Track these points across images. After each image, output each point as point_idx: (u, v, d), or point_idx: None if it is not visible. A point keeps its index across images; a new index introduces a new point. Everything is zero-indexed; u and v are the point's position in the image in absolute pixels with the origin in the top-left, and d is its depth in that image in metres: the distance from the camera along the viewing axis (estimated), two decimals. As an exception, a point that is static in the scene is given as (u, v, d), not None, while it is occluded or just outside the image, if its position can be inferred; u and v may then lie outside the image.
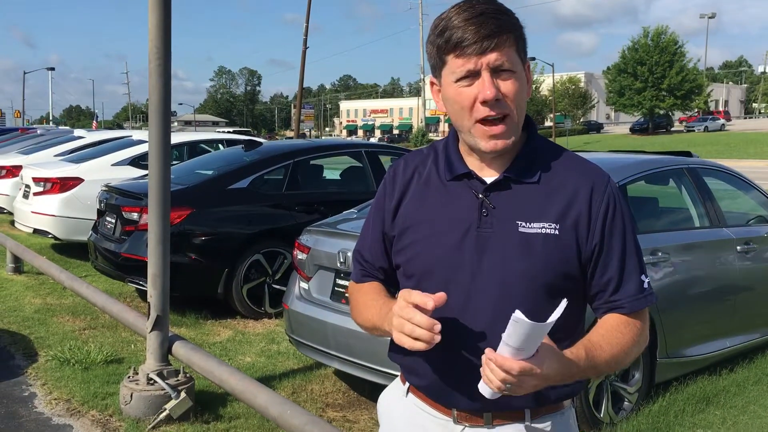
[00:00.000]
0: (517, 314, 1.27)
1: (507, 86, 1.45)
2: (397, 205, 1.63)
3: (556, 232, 1.49)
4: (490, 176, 1.54)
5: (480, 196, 1.53)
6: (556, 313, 1.30)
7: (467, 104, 1.46)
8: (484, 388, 1.38)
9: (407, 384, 1.66)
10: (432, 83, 1.57)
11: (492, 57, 1.42)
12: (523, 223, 1.49)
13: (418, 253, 1.57)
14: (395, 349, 1.62)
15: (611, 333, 1.50)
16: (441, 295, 1.37)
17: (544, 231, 1.49)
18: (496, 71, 1.44)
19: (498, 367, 1.31)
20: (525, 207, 1.51)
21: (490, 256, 1.50)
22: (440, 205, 1.56)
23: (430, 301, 1.35)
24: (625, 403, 4.29)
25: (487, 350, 1.34)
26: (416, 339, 1.36)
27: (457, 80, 1.46)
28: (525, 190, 1.52)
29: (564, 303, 1.32)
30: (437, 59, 1.50)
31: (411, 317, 1.36)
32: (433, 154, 1.64)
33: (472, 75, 1.44)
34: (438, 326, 1.35)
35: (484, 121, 1.46)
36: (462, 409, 1.56)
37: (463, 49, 1.43)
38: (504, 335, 1.31)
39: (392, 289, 1.69)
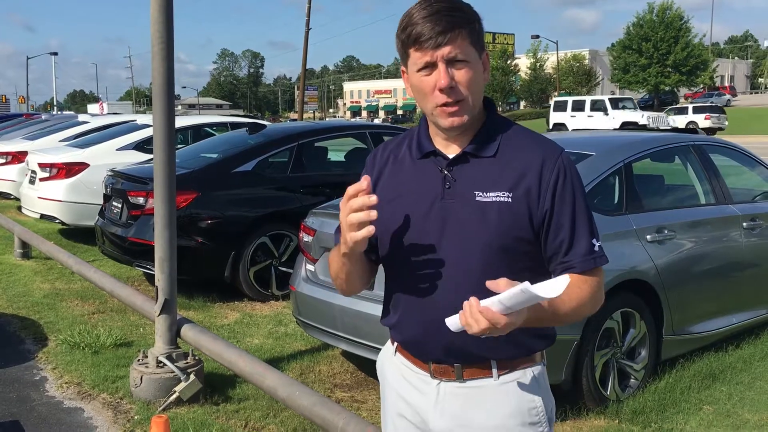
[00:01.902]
0: (526, 285, 1.39)
1: (460, 75, 1.63)
2: (374, 184, 1.78)
3: (509, 200, 1.65)
4: (453, 153, 1.72)
5: (444, 171, 1.70)
6: (559, 288, 1.42)
7: (428, 91, 1.65)
8: (453, 323, 1.51)
9: (395, 343, 1.84)
10: (402, 71, 1.76)
11: (446, 50, 1.60)
12: (480, 193, 1.66)
13: (391, 224, 1.73)
14: (384, 313, 1.84)
15: (571, 288, 1.60)
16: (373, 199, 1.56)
17: (498, 199, 1.65)
18: (451, 62, 1.62)
19: (488, 319, 1.45)
20: (482, 178, 1.68)
21: (452, 223, 1.67)
22: (410, 180, 1.75)
23: (363, 184, 1.55)
24: (632, 380, 4.31)
25: (474, 300, 1.47)
26: (357, 221, 1.54)
27: (419, 70, 1.65)
28: (483, 163, 1.70)
29: (567, 279, 1.45)
30: (403, 51, 1.68)
31: (352, 205, 1.55)
32: (408, 138, 1.82)
33: (431, 66, 1.63)
34: (373, 201, 1.54)
35: (443, 105, 1.64)
36: (436, 361, 1.73)
37: (421, 43, 1.61)
38: (503, 296, 1.43)
39: (372, 256, 1.82)
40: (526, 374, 1.73)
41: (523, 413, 1.71)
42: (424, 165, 1.74)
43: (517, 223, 1.65)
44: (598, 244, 1.70)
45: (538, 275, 1.68)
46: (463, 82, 1.62)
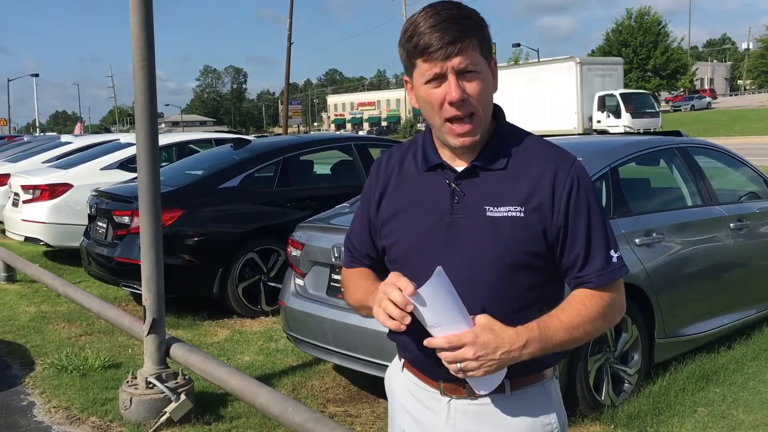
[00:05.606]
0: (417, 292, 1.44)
1: (472, 87, 1.56)
2: (380, 196, 1.76)
3: (522, 214, 1.59)
4: (461, 166, 1.66)
5: (452, 184, 1.64)
6: (433, 279, 1.45)
7: (436, 104, 1.57)
8: (475, 384, 1.54)
9: (402, 360, 1.80)
10: (406, 81, 1.69)
11: (456, 61, 1.53)
12: (491, 208, 1.60)
13: (398, 239, 1.70)
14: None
15: (573, 305, 1.60)
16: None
17: (509, 214, 1.59)
18: (461, 73, 1.54)
19: (442, 344, 1.48)
20: (492, 192, 1.62)
21: (461, 239, 1.62)
22: (417, 194, 1.69)
23: (410, 287, 1.49)
24: (626, 385, 4.30)
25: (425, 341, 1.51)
26: (389, 316, 1.51)
27: (427, 82, 1.57)
28: (492, 176, 1.63)
29: (439, 268, 1.47)
30: (408, 62, 1.61)
31: (390, 293, 1.51)
32: (413, 147, 1.75)
33: (440, 77, 1.55)
34: (409, 309, 1.49)
35: (452, 120, 1.58)
36: (446, 380, 1.67)
37: (429, 54, 1.54)
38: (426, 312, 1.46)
39: (381, 275, 1.78)
40: (538, 389, 1.69)
41: (536, 429, 1.66)
42: (431, 177, 1.68)
43: (531, 238, 1.59)
44: (616, 255, 1.63)
45: (549, 290, 1.67)
46: (474, 95, 1.55)
